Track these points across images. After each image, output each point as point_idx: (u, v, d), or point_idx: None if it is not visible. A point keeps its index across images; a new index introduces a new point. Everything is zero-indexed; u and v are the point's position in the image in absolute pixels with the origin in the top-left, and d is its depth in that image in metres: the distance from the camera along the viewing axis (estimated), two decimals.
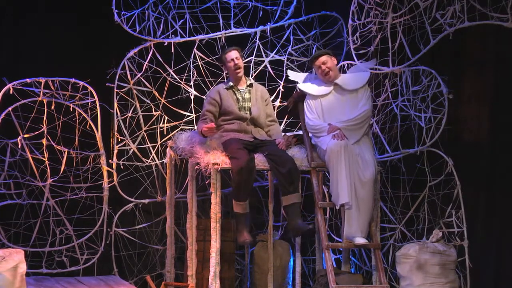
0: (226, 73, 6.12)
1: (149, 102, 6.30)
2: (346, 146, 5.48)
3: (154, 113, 6.31)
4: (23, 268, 5.09)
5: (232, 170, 5.52)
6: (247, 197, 5.55)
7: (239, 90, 5.85)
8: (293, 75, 5.99)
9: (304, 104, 5.79)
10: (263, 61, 6.49)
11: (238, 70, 5.79)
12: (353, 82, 5.72)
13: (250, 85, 5.89)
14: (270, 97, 6.16)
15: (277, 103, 6.47)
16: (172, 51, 6.27)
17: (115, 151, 6.23)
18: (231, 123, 5.78)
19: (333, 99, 5.72)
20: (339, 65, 6.33)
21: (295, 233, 5.59)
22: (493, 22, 5.08)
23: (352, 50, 6.16)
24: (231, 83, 5.86)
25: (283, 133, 6.04)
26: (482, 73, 5.46)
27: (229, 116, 5.80)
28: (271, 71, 6.51)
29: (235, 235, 5.75)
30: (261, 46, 6.43)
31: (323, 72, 5.71)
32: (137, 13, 6.18)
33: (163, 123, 6.32)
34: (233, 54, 5.78)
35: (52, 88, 6.03)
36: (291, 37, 6.52)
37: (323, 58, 5.73)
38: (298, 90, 6.02)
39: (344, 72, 6.13)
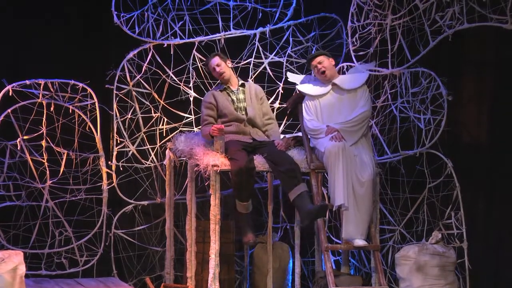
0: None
1: (148, 103, 6.29)
2: (344, 147, 5.44)
3: (154, 114, 6.30)
4: (22, 269, 5.07)
5: (231, 172, 5.49)
6: (248, 198, 5.52)
7: (232, 91, 5.85)
8: (292, 77, 5.98)
9: (303, 105, 5.78)
10: (262, 63, 6.48)
11: (222, 76, 5.82)
12: (351, 81, 5.70)
13: (242, 85, 5.89)
14: (269, 99, 6.18)
15: (277, 105, 6.46)
16: (172, 52, 6.26)
17: (115, 153, 6.21)
18: (229, 125, 5.76)
19: (331, 99, 5.71)
20: (339, 66, 6.34)
21: (310, 219, 5.38)
22: (492, 24, 5.07)
23: (351, 51, 6.16)
24: (224, 85, 5.87)
25: (282, 135, 6.04)
26: (481, 75, 5.45)
27: (226, 118, 5.78)
28: (270, 73, 6.50)
29: (237, 236, 5.69)
30: (260, 48, 6.42)
31: (319, 71, 5.72)
32: (136, 15, 6.17)
33: (163, 124, 6.31)
34: (213, 62, 5.82)
35: (52, 89, 6.02)
36: (291, 39, 6.52)
37: (320, 58, 5.74)
38: (297, 92, 6.02)
39: (344, 73, 6.13)
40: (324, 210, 5.50)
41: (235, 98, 5.82)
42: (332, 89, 5.74)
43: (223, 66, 5.81)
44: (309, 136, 5.78)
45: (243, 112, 5.80)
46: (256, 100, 5.87)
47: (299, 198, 5.43)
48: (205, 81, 6.37)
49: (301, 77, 5.98)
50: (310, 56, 5.86)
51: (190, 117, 6.38)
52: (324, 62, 5.73)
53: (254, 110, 5.82)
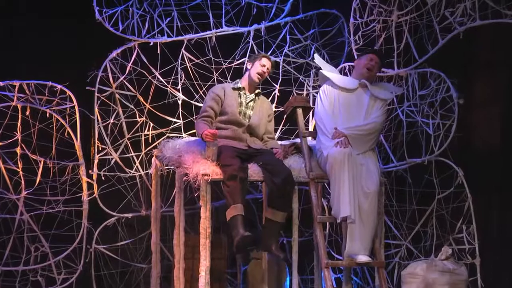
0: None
1: (133, 107, 6.22)
2: (350, 154, 5.33)
3: (139, 119, 6.23)
4: None
5: (223, 178, 5.36)
6: (242, 200, 5.35)
7: (246, 94, 5.77)
8: (319, 60, 5.87)
9: (320, 90, 5.68)
10: None
11: (259, 78, 5.72)
12: (380, 91, 5.64)
13: (258, 94, 5.84)
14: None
15: (272, 108, 6.36)
16: (158, 51, 6.20)
17: (96, 161, 6.15)
18: (225, 128, 5.63)
19: (352, 97, 5.61)
20: (340, 67, 6.31)
21: (255, 246, 5.40)
22: (506, 21, 4.98)
23: (353, 50, 6.14)
24: (240, 85, 5.76)
25: (280, 142, 5.96)
26: (494, 76, 5.37)
27: (226, 117, 5.64)
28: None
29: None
30: (255, 47, 6.34)
31: (369, 65, 5.63)
32: (120, 11, 6.10)
33: (148, 130, 6.25)
34: (268, 63, 5.73)
35: (27, 92, 5.95)
36: (288, 37, 6.45)
37: (378, 59, 5.68)
38: (295, 94, 5.90)
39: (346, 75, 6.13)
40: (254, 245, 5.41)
41: (244, 101, 5.73)
42: (358, 88, 5.65)
43: (266, 75, 5.76)
44: (311, 143, 5.69)
45: (246, 119, 5.72)
46: (265, 115, 5.79)
47: (274, 225, 5.36)
48: (195, 82, 6.29)
49: (327, 65, 5.90)
50: (374, 49, 5.83)
51: (178, 122, 6.28)
52: (378, 65, 5.67)
53: (259, 121, 5.74)
